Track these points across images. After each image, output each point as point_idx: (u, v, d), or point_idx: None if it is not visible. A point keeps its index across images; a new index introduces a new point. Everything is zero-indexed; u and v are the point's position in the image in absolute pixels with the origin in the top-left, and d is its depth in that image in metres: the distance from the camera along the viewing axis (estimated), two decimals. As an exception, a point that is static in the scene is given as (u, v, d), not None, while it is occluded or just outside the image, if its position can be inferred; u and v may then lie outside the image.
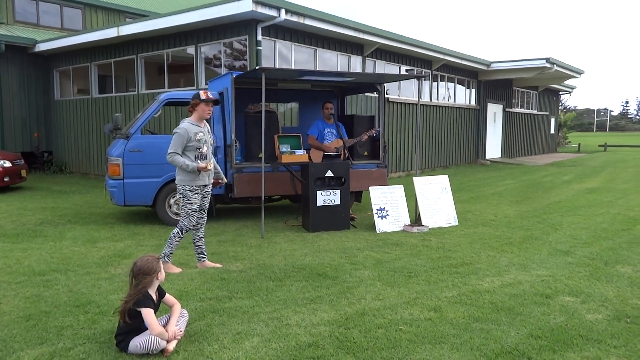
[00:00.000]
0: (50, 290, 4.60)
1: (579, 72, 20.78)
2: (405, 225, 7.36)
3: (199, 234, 5.42)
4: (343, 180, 7.33)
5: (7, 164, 10.86)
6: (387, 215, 7.39)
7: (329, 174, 7.21)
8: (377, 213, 7.36)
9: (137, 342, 3.31)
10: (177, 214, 7.58)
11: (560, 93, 29.15)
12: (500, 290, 4.64)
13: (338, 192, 7.25)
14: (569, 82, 24.99)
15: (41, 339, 3.56)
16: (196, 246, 5.45)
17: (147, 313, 3.35)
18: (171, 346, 3.36)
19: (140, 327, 3.37)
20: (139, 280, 3.44)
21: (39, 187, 12.02)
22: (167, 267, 5.08)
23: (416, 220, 7.62)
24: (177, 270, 5.21)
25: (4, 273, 5.09)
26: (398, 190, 7.68)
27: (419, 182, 7.76)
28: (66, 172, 15.14)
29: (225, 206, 8.94)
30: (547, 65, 17.64)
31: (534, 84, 23.28)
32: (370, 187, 7.59)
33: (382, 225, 7.29)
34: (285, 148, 7.99)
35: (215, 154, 7.66)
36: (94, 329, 3.71)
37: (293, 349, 3.41)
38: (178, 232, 5.25)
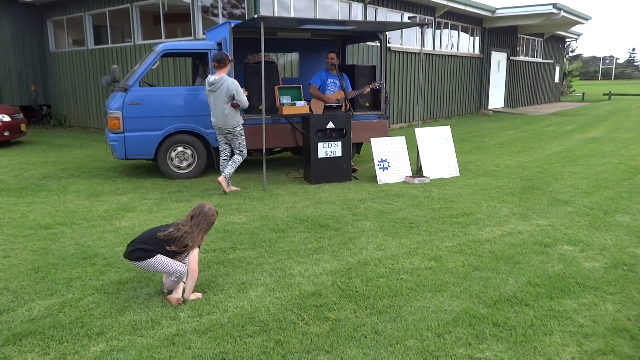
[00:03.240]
0: (57, 243, 4.67)
1: (586, 18, 20.23)
2: (406, 176, 7.38)
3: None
4: (344, 131, 7.29)
5: (7, 118, 10.78)
6: (389, 166, 7.40)
7: (330, 125, 7.16)
8: (378, 164, 7.36)
9: (165, 260, 3.38)
10: (178, 167, 7.60)
11: (566, 40, 28.49)
12: (500, 239, 4.71)
13: (339, 143, 7.22)
14: (575, 28, 24.38)
15: (51, 290, 3.65)
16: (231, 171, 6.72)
17: (196, 255, 3.46)
18: (178, 294, 3.45)
19: (172, 256, 3.44)
20: (198, 222, 3.48)
21: (40, 141, 11.99)
22: (229, 188, 6.68)
23: (418, 171, 7.64)
24: (237, 188, 6.78)
25: (10, 227, 5.16)
26: (399, 142, 7.65)
27: (421, 133, 7.72)
28: (66, 125, 15.06)
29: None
30: (554, 10, 17.15)
31: (540, 31, 22.73)
32: (371, 139, 7.56)
33: (384, 177, 7.31)
34: (285, 99, 7.89)
35: (215, 106, 7.60)
36: (102, 280, 3.80)
37: (297, 298, 3.50)
38: (240, 159, 6.70)
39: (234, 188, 6.80)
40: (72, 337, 3.00)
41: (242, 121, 6.68)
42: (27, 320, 3.20)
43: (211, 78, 6.42)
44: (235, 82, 6.41)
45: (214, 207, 3.62)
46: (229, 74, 6.50)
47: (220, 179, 6.54)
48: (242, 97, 6.42)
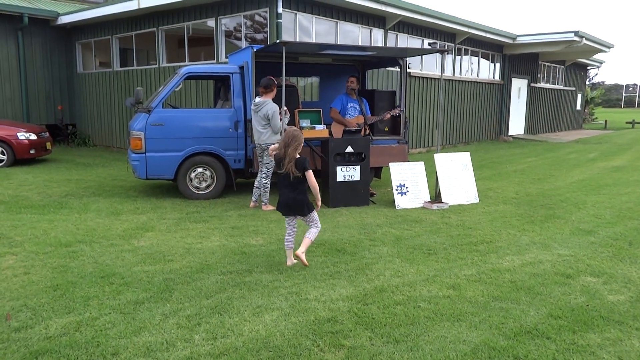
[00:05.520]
0: (76, 261, 4.72)
1: (609, 46, 20.09)
2: (425, 202, 7.32)
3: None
4: (363, 156, 7.29)
5: (33, 137, 11.06)
6: (407, 191, 7.36)
7: (349, 149, 7.18)
8: (396, 189, 7.33)
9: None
10: (197, 188, 7.67)
11: (588, 68, 28.30)
12: (521, 269, 4.61)
13: (358, 167, 7.22)
14: (597, 56, 24.20)
15: (68, 308, 3.67)
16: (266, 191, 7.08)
17: (311, 174, 4.44)
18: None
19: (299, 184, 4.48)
20: (288, 145, 4.40)
21: (64, 159, 12.25)
22: (267, 207, 6.99)
23: (436, 197, 7.57)
24: (272, 208, 6.82)
25: (32, 243, 5.24)
26: (418, 167, 7.62)
27: (440, 158, 7.68)
28: (89, 144, 15.38)
29: (246, 180, 9.00)
30: (576, 38, 17.08)
31: (561, 58, 22.62)
32: (390, 163, 7.54)
33: (402, 202, 7.27)
34: (305, 123, 7.96)
35: (235, 128, 7.71)
36: (119, 300, 3.82)
37: (312, 324, 3.46)
38: (267, 181, 6.99)
39: (271, 207, 6.99)
40: (88, 357, 3.00)
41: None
42: (44, 338, 3.22)
43: (257, 99, 6.91)
44: (275, 108, 6.76)
45: (294, 128, 4.58)
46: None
47: (252, 205, 7.19)
48: (275, 122, 6.76)
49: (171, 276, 4.33)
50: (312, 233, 4.61)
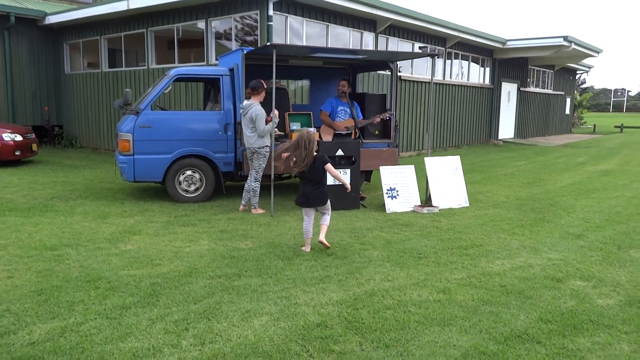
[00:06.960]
0: (62, 265, 4.64)
1: (597, 51, 20.31)
2: (415, 205, 7.32)
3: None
4: (353, 159, 7.27)
5: (19, 138, 10.91)
6: (397, 195, 7.35)
7: (340, 153, 7.15)
8: (387, 193, 7.31)
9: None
10: (186, 191, 7.59)
11: (577, 72, 28.58)
12: (511, 273, 4.61)
13: (348, 171, 7.20)
14: (586, 61, 24.47)
15: (53, 313, 3.60)
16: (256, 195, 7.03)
17: (330, 166, 5.08)
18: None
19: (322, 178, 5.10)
20: (307, 147, 4.88)
21: (50, 161, 12.09)
22: (257, 210, 6.96)
23: (426, 200, 7.57)
24: (262, 211, 6.97)
25: (16, 247, 5.15)
26: (409, 170, 7.61)
27: (430, 162, 7.68)
28: (76, 146, 15.20)
29: (235, 184, 8.94)
30: (565, 43, 17.24)
31: (551, 63, 22.83)
32: (380, 167, 7.53)
33: (392, 206, 7.25)
34: (295, 126, 7.93)
35: (225, 131, 7.65)
36: (105, 305, 3.75)
37: (302, 329, 3.41)
38: (257, 185, 6.92)
39: (260, 210, 7.00)
40: (71, 364, 2.93)
41: (268, 143, 6.85)
42: (28, 344, 3.15)
43: (245, 102, 6.89)
44: (260, 111, 6.70)
45: (307, 130, 5.09)
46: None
47: (241, 208, 7.13)
48: (259, 125, 6.68)
49: (158, 280, 4.27)
50: (327, 220, 5.17)
